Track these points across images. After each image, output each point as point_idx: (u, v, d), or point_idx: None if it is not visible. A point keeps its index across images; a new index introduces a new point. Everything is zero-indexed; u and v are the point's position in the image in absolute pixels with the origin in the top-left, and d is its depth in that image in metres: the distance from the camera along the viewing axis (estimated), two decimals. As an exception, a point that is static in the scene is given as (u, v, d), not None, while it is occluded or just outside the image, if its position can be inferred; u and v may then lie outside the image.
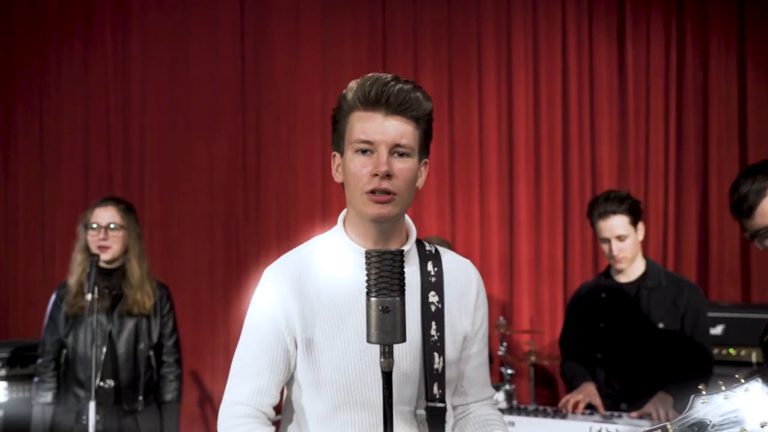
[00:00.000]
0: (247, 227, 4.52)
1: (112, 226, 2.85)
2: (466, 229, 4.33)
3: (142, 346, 2.87)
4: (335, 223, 1.50)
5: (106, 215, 2.86)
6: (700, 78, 4.04)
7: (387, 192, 1.35)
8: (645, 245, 3.20)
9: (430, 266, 1.46)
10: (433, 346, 1.39)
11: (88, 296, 2.62)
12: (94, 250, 2.84)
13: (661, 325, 2.79)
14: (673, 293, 2.82)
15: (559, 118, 4.23)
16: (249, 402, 1.40)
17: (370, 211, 1.36)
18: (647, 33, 4.10)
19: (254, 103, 4.56)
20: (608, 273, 2.97)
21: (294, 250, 1.48)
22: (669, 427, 1.25)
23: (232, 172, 4.56)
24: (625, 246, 2.81)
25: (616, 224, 2.80)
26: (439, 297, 1.43)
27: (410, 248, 1.45)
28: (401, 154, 1.36)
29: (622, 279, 2.91)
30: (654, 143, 4.10)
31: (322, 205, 4.43)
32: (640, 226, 2.86)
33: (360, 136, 1.36)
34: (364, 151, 1.36)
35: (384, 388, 1.13)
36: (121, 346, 2.84)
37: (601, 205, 2.84)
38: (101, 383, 2.78)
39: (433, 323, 1.41)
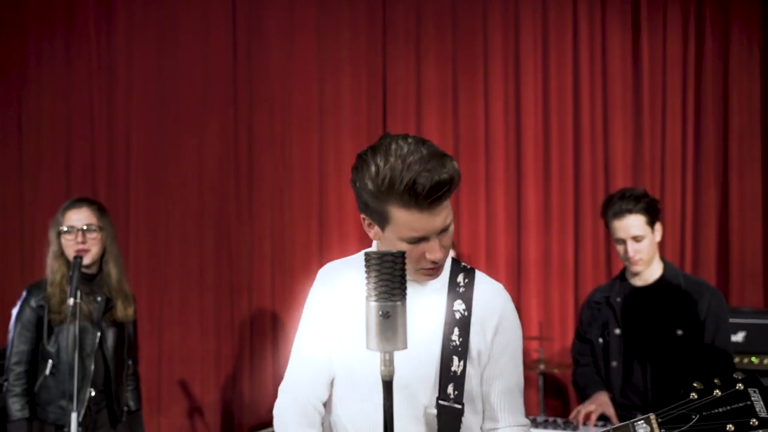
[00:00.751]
0: (240, 228, 4.51)
1: (86, 228, 2.83)
2: (472, 229, 4.35)
3: (123, 354, 2.90)
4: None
5: (81, 217, 2.85)
6: (720, 70, 4.04)
7: (437, 263, 1.45)
8: (662, 247, 3.20)
9: (460, 278, 1.54)
10: (453, 349, 1.46)
11: (70, 300, 2.57)
12: (71, 255, 2.80)
13: (679, 332, 2.78)
14: (692, 298, 2.81)
15: (569, 113, 4.26)
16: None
17: (420, 279, 1.48)
18: (664, 22, 4.10)
19: (247, 97, 4.55)
20: (623, 276, 2.96)
21: (344, 259, 1.63)
22: (653, 417, 1.32)
23: (224, 170, 4.54)
24: (642, 247, 2.79)
25: (632, 224, 2.78)
26: (465, 306, 1.50)
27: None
28: (445, 230, 1.44)
29: (638, 282, 2.89)
30: (671, 139, 4.13)
31: (318, 205, 4.41)
32: (658, 226, 2.85)
33: (412, 235, 1.40)
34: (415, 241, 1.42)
35: (384, 398, 1.13)
36: (110, 355, 2.84)
37: (616, 204, 2.83)
38: (92, 393, 2.77)
39: (456, 329, 1.48)
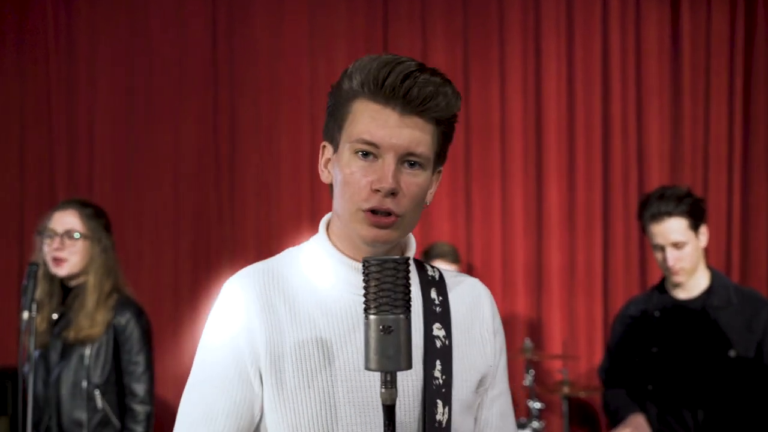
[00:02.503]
0: (220, 230, 4.52)
1: (65, 233, 2.80)
2: (485, 232, 4.33)
3: (84, 384, 2.78)
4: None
5: (64, 221, 2.82)
6: (774, 49, 4.02)
7: (389, 213, 1.30)
8: (705, 252, 3.15)
9: (433, 293, 1.42)
10: (436, 391, 1.33)
11: (25, 314, 2.56)
12: (49, 263, 2.79)
13: (731, 353, 2.75)
14: (746, 314, 2.78)
15: (598, 98, 4.24)
16: None
17: (363, 233, 1.31)
18: (708, -6, 4.09)
19: (228, 80, 4.56)
20: (663, 287, 2.95)
21: (262, 261, 1.42)
22: None
23: (202, 163, 4.55)
24: (684, 255, 2.79)
25: (672, 228, 2.77)
26: (445, 331, 1.38)
27: None
28: (413, 164, 1.31)
29: (681, 295, 2.88)
30: (715, 127, 4.10)
31: (310, 203, 4.43)
32: (703, 230, 2.84)
33: (363, 135, 1.29)
34: (366, 154, 1.30)
35: (386, 425, 1.13)
36: (62, 384, 2.78)
37: (653, 205, 2.83)
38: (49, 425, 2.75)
39: (438, 363, 1.35)
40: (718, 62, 4.09)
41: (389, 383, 1.13)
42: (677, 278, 2.83)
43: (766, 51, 4.06)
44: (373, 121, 1.29)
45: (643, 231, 2.89)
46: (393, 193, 1.29)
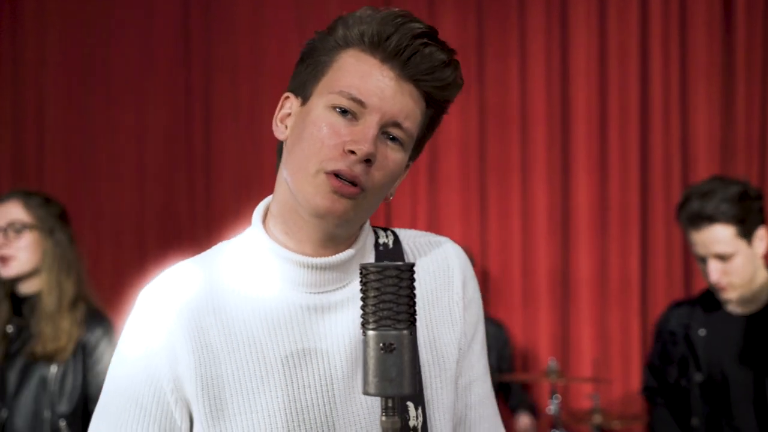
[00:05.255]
0: (193, 230, 4.55)
1: (8, 226, 2.79)
2: (503, 233, 4.35)
3: (46, 414, 2.77)
4: None
5: (6, 213, 2.80)
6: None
7: (355, 183, 1.27)
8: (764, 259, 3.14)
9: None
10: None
11: None
12: None
13: None
14: None
15: (634, 78, 4.23)
16: None
17: (317, 201, 1.28)
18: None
19: (202, 58, 4.59)
20: (711, 297, 2.86)
21: (186, 261, 1.40)
22: None
23: (172, 154, 4.58)
24: (732, 269, 2.67)
25: (716, 238, 2.65)
26: None
27: (354, 253, 1.37)
28: (394, 138, 1.30)
29: (737, 309, 2.81)
30: None
31: None
32: (761, 233, 2.72)
33: (350, 90, 1.28)
34: (344, 112, 1.28)
35: None
36: (18, 413, 2.77)
37: (694, 204, 2.70)
38: None
39: None
40: (777, 36, 4.10)
41: (391, 410, 1.13)
42: (726, 295, 2.74)
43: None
44: (365, 76, 1.29)
45: (684, 236, 2.83)
46: (368, 161, 1.27)
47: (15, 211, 2.81)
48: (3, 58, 4.52)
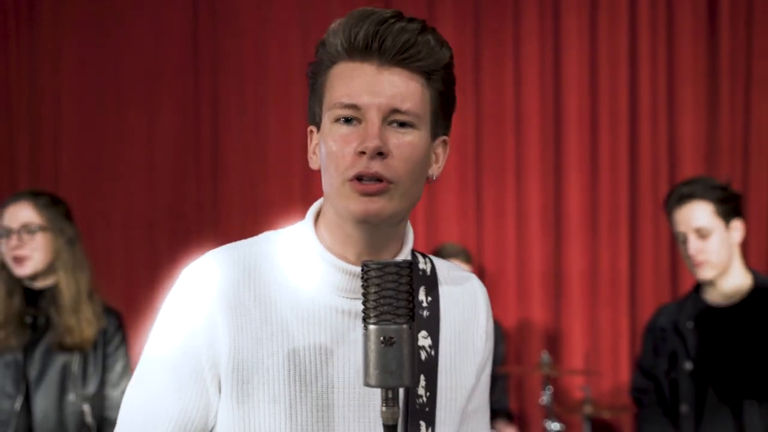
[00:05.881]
0: (201, 229, 4.52)
1: (22, 228, 2.80)
2: (497, 233, 4.36)
3: (71, 397, 2.80)
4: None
5: (19, 215, 2.82)
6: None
7: (378, 179, 1.26)
8: (744, 253, 3.15)
9: (422, 294, 1.38)
10: (419, 411, 1.32)
11: None
12: (10, 264, 2.80)
13: None
14: None
15: (624, 81, 4.25)
16: None
17: (353, 207, 1.27)
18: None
19: (210, 60, 4.57)
20: (698, 294, 2.91)
21: (233, 245, 1.38)
22: None
23: (181, 155, 4.56)
24: (708, 247, 2.74)
25: (696, 213, 2.74)
26: (432, 340, 1.36)
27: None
28: (402, 124, 1.28)
29: (718, 300, 2.84)
30: (757, 115, 4.11)
31: (301, 198, 4.40)
32: (736, 224, 2.80)
33: (342, 99, 1.28)
34: (348, 120, 1.28)
35: None
36: (41, 397, 2.78)
37: (679, 188, 2.83)
38: None
39: (423, 378, 1.33)
40: (761, 42, 4.07)
41: (391, 401, 1.14)
42: (701, 273, 2.76)
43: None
44: (350, 81, 1.28)
45: (670, 224, 2.88)
46: (380, 154, 1.25)
47: (26, 213, 2.82)
48: (21, 64, 4.50)
